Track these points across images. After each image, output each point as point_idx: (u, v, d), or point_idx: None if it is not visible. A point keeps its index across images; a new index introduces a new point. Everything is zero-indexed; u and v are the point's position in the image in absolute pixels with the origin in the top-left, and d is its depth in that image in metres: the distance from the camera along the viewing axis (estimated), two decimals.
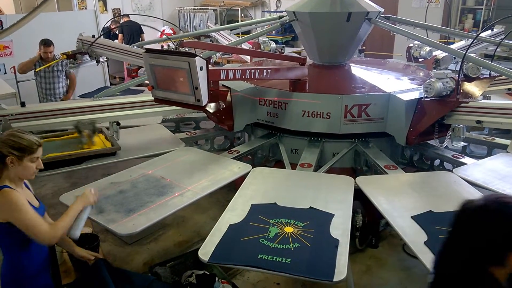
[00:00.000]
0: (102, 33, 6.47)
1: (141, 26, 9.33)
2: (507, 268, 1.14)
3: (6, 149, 2.06)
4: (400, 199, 2.85)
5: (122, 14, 9.76)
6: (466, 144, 4.17)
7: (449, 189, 2.98)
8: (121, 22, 9.48)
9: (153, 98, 3.49)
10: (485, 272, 1.16)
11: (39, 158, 2.17)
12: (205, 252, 2.29)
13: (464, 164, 3.48)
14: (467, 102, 3.50)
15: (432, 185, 3.06)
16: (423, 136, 3.70)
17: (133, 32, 9.28)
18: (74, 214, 2.21)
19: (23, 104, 3.62)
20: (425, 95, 3.59)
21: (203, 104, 3.17)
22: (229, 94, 3.93)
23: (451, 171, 3.29)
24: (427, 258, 2.22)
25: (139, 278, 2.62)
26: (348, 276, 2.17)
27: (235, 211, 2.68)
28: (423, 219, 2.57)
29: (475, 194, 2.89)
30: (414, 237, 2.40)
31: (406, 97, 3.70)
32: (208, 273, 3.09)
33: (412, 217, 2.60)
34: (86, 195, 2.32)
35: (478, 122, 3.42)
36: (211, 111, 3.89)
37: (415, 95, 3.75)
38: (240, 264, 2.25)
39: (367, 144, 3.92)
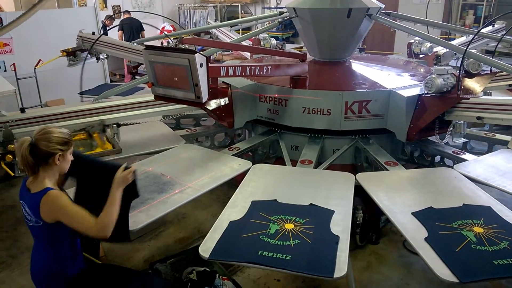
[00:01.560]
0: (101, 31, 6.45)
1: (142, 23, 9.31)
2: None
3: (54, 146, 2.08)
4: (401, 195, 2.85)
5: (122, 11, 9.73)
6: (467, 140, 4.17)
7: (449, 185, 2.98)
8: (121, 19, 9.45)
9: (153, 96, 3.48)
10: None
11: None
12: (206, 248, 2.29)
13: (464, 160, 3.49)
14: (468, 98, 3.49)
15: (432, 181, 3.06)
16: (423, 133, 3.69)
17: (133, 29, 9.26)
18: (118, 201, 2.14)
19: (22, 110, 3.63)
20: (426, 92, 3.58)
21: (203, 101, 3.17)
22: (229, 91, 3.92)
23: (452, 167, 3.29)
24: (427, 254, 2.23)
25: (139, 275, 2.62)
26: (348, 272, 2.17)
27: (236, 208, 2.68)
28: (424, 215, 2.58)
29: (476, 191, 2.89)
30: (415, 234, 2.40)
31: (407, 93, 3.70)
32: (208, 270, 3.09)
33: (412, 213, 2.60)
34: (123, 177, 2.20)
35: (478, 118, 3.41)
36: (211, 108, 3.88)
37: (415, 91, 3.73)
38: (241, 261, 2.25)
39: (367, 141, 3.92)
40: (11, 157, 3.22)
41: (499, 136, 4.12)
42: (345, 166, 3.86)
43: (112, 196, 2.15)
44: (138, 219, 2.57)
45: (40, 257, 2.26)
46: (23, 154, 2.05)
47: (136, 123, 4.34)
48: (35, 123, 3.57)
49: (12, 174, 3.32)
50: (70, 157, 2.18)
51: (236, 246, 2.30)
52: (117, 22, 9.66)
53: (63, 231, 2.13)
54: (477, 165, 3.27)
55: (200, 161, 3.37)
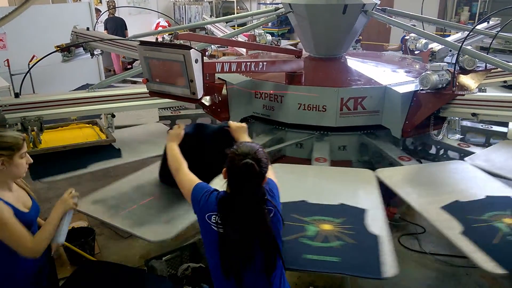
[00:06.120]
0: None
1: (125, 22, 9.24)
2: None
3: None
4: (424, 190, 2.86)
5: (116, 7, 9.66)
6: (462, 136, 4.18)
7: (466, 178, 3.04)
8: (106, 17, 9.38)
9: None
10: None
11: (26, 152, 2.10)
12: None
13: (471, 152, 3.52)
14: (463, 95, 3.50)
15: (448, 175, 3.11)
16: (419, 129, 3.70)
17: (117, 27, 9.19)
18: (55, 222, 2.13)
19: (17, 95, 3.57)
20: (421, 88, 3.58)
21: (199, 97, 3.15)
22: (224, 87, 3.90)
23: (463, 160, 3.33)
24: (468, 248, 2.24)
25: (134, 272, 2.62)
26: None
27: None
28: (453, 209, 2.59)
29: (493, 182, 2.94)
30: (449, 228, 2.41)
31: (402, 89, 3.69)
32: (204, 266, 3.10)
33: (441, 207, 2.62)
34: (65, 199, 2.21)
35: (473, 114, 3.42)
36: (206, 104, 3.87)
37: (411, 87, 3.73)
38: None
39: (374, 136, 3.91)
40: None
41: (495, 128, 4.15)
42: (348, 162, 3.87)
43: (51, 217, 2.14)
44: (170, 226, 2.54)
45: None
46: None
47: (134, 125, 4.28)
48: (28, 108, 3.51)
49: None
50: (22, 162, 2.06)
51: None
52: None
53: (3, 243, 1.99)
54: (486, 157, 3.32)
55: None
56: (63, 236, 2.17)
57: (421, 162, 3.87)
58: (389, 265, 2.12)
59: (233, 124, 2.43)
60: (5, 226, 1.93)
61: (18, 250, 1.99)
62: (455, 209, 2.59)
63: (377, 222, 2.48)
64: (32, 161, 2.14)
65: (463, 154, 3.54)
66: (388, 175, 3.08)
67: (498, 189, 2.84)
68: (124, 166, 3.46)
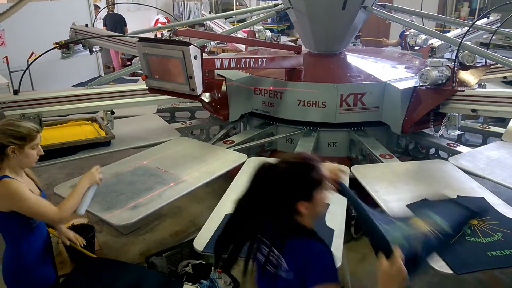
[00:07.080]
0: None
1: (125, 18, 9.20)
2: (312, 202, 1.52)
3: (6, 139, 2.03)
4: (395, 187, 2.86)
5: (114, 3, 9.62)
6: (461, 132, 4.18)
7: (444, 178, 2.99)
8: (105, 14, 9.34)
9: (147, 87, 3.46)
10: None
11: (39, 144, 2.15)
12: (201, 242, 2.29)
13: (459, 152, 3.50)
14: (463, 91, 3.50)
15: (427, 173, 3.07)
16: (418, 125, 3.70)
17: (116, 24, 9.15)
18: (80, 192, 2.21)
19: (16, 92, 3.57)
20: (421, 84, 3.58)
21: (198, 94, 3.15)
22: (224, 84, 3.90)
23: (447, 159, 3.30)
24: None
25: (134, 268, 2.62)
26: (343, 264, 2.18)
27: (231, 201, 2.67)
28: (418, 208, 2.58)
29: (470, 183, 2.90)
30: None
31: (402, 85, 3.69)
32: (204, 263, 3.10)
33: (407, 205, 2.61)
34: (92, 174, 2.28)
35: (473, 110, 3.42)
36: (206, 100, 3.86)
37: (410, 83, 3.73)
38: None
39: (362, 133, 3.91)
40: None
41: (493, 129, 4.14)
42: (341, 159, 3.86)
43: (77, 187, 2.22)
44: (133, 212, 2.56)
45: (6, 251, 2.17)
46: None
47: (131, 116, 4.32)
48: (27, 106, 3.53)
49: None
50: (33, 152, 2.10)
51: None
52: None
53: (16, 223, 2.07)
54: (471, 157, 3.28)
55: (195, 154, 3.35)
56: (84, 208, 2.24)
57: (411, 159, 3.86)
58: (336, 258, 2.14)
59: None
60: (23, 197, 2.01)
61: (44, 218, 2.10)
62: (421, 207, 2.57)
63: (336, 217, 2.50)
64: (43, 153, 2.19)
65: (451, 154, 3.53)
66: (363, 171, 3.08)
67: (473, 189, 2.82)
68: (112, 154, 3.54)
